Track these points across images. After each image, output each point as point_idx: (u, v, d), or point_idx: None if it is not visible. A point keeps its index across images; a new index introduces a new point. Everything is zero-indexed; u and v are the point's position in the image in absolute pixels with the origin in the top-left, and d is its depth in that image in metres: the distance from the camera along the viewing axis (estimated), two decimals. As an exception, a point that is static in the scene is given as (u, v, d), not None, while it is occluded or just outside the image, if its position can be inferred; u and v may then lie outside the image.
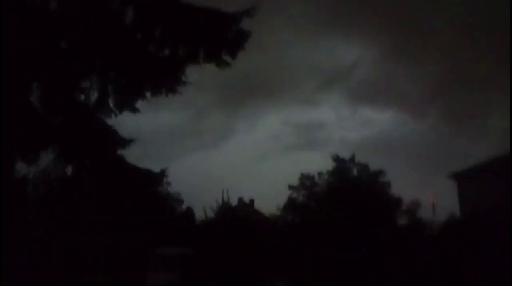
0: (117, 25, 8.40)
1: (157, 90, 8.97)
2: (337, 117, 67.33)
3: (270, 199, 31.82)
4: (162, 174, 11.43)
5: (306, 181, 26.27)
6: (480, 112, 51.69)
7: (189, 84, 9.24)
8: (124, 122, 9.57)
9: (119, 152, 9.99)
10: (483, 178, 24.64)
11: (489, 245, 20.36)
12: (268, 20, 9.06)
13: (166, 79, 9.01)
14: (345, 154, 25.95)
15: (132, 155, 10.10)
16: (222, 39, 8.92)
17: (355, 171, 25.68)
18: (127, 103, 9.29)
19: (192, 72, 9.21)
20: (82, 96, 9.09)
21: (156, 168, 10.84)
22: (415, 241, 22.58)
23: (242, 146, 63.03)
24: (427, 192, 28.38)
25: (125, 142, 9.66)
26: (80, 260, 20.76)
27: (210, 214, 27.08)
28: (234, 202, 31.64)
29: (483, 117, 51.67)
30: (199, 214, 28.78)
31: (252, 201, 37.48)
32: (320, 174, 26.08)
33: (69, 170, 11.49)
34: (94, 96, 9.01)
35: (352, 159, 25.70)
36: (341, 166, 25.50)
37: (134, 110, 9.41)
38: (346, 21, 57.11)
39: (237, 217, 26.60)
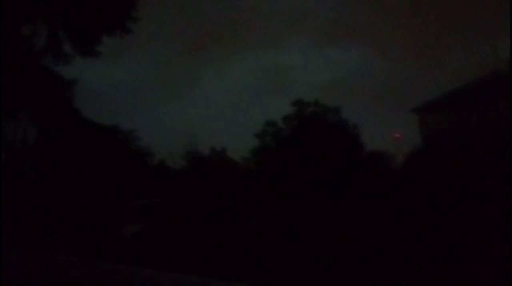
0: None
1: (111, 32, 8.75)
2: (303, 59, 66.05)
3: (242, 146, 32.32)
4: (131, 131, 11.38)
5: (270, 128, 26.92)
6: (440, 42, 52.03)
7: (144, 24, 9.00)
8: (87, 76, 9.41)
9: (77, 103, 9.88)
10: (441, 111, 25.66)
11: (453, 177, 21.30)
12: None
13: (119, 19, 8.75)
14: (312, 97, 26.51)
15: (99, 108, 10.02)
16: None
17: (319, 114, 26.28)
18: (86, 48, 9.04)
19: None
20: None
21: (125, 122, 10.75)
22: (380, 175, 23.53)
23: (209, 94, 61.89)
24: (392, 127, 29.44)
25: (71, 84, 9.52)
26: (56, 218, 20.87)
27: (181, 163, 27.43)
28: (206, 151, 32.15)
29: (444, 47, 52.30)
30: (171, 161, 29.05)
31: (224, 149, 38.12)
32: (284, 118, 26.62)
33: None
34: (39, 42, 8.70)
35: (316, 102, 26.23)
36: (304, 109, 26.14)
37: (95, 53, 9.19)
38: None
39: (209, 164, 27.06)
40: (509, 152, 19.41)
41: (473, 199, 20.21)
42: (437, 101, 26.21)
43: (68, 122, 10.60)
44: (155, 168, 30.75)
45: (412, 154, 24.77)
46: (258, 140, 27.09)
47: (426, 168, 22.34)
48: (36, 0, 8.18)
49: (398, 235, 15.28)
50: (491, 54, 26.49)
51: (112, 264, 7.95)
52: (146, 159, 30.66)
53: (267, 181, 24.06)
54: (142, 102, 55.39)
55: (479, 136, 22.55)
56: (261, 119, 27.67)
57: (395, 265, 10.84)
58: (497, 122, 21.92)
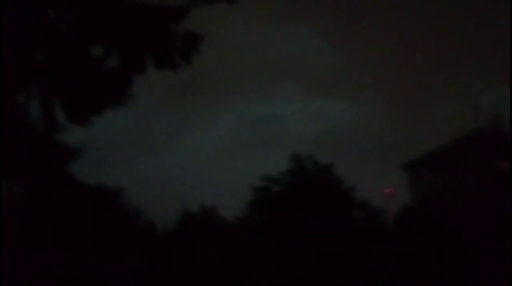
0: (54, 34, 8.11)
1: (104, 105, 8.71)
2: (292, 110, 64.46)
3: (233, 202, 31.65)
4: (117, 189, 11.19)
5: (267, 182, 26.54)
6: (429, 97, 52.96)
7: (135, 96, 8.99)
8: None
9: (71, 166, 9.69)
10: (433, 168, 25.79)
11: (443, 236, 21.11)
12: (214, 9, 8.61)
13: (112, 95, 8.75)
14: (302, 149, 26.51)
15: (81, 162, 9.80)
16: (171, 42, 8.59)
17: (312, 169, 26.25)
18: (81, 118, 8.96)
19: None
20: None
21: (107, 176, 10.57)
22: (371, 233, 23.20)
23: (195, 146, 61.01)
24: (382, 183, 29.35)
25: (75, 152, 9.36)
26: (37, 279, 19.84)
27: (171, 226, 26.78)
28: (194, 206, 31.24)
29: (433, 102, 53.18)
30: (159, 220, 28.30)
31: (214, 207, 37.13)
32: (281, 173, 26.41)
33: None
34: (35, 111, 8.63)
35: (309, 157, 26.22)
36: (299, 165, 26.03)
37: (89, 123, 9.09)
38: (299, 9, 57.35)
39: (200, 227, 26.35)
40: (505, 214, 19.37)
41: (465, 259, 19.93)
42: (428, 157, 26.30)
43: (57, 183, 10.35)
44: (141, 228, 29.91)
45: (403, 212, 24.64)
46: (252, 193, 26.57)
47: (417, 226, 22.17)
48: (33, 70, 8.19)
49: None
50: (486, 108, 26.92)
51: None
52: (132, 219, 29.85)
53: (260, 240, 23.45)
54: (126, 153, 54.38)
55: (471, 195, 22.50)
56: (251, 172, 27.31)
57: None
58: (492, 180, 22.01)
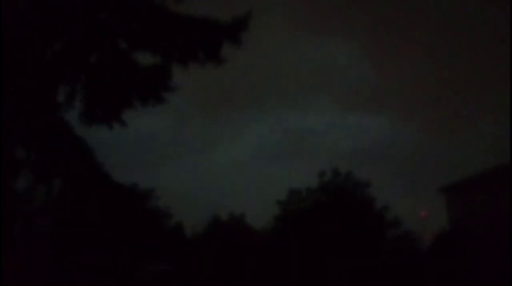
0: (102, 35, 8.28)
1: (145, 101, 8.79)
2: (327, 123, 63.06)
3: (260, 211, 31.48)
4: (150, 191, 11.25)
5: (294, 197, 26.25)
6: (472, 118, 50.58)
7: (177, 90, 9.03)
8: (102, 130, 9.31)
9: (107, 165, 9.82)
10: (472, 193, 24.66)
11: (479, 261, 20.35)
12: (254, 20, 8.57)
13: (154, 88, 8.80)
14: (335, 164, 26.05)
15: (114, 163, 9.90)
16: (215, 50, 8.67)
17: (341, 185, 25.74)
18: (115, 115, 9.09)
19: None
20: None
21: (140, 179, 10.66)
22: (405, 256, 22.53)
23: (228, 154, 61.12)
24: (417, 204, 28.40)
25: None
26: (69, 280, 20.30)
27: (200, 230, 26.93)
28: (223, 213, 31.37)
29: (475, 124, 50.79)
30: (188, 225, 28.53)
31: (242, 215, 37.11)
32: (308, 189, 26.06)
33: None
34: (78, 108, 8.81)
35: (337, 173, 25.72)
36: (327, 182, 25.58)
37: (122, 123, 9.21)
38: (338, 22, 56.67)
39: (229, 234, 26.33)
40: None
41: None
42: (467, 181, 25.15)
43: (91, 183, 10.48)
44: (171, 230, 30.19)
45: (440, 235, 23.82)
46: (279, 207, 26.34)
47: (453, 251, 21.41)
48: (78, 68, 8.37)
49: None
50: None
51: None
52: (163, 219, 30.18)
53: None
54: (159, 158, 55.26)
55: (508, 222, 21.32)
56: (281, 183, 27.04)
57: None
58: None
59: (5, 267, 9.30)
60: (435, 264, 21.60)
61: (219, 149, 60.07)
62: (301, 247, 22.65)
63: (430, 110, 55.04)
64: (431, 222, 26.23)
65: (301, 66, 60.80)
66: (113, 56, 8.72)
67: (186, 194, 37.55)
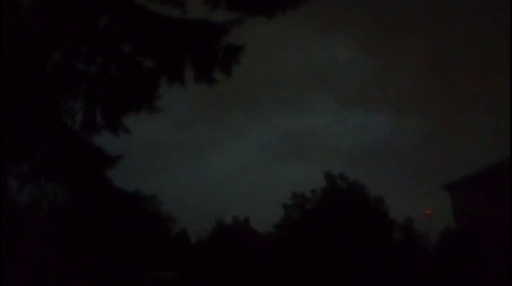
0: (102, 44, 8.29)
1: (138, 109, 8.77)
2: (328, 122, 63.61)
3: (264, 214, 31.50)
4: (153, 197, 11.27)
5: (299, 200, 26.10)
6: (475, 114, 50.26)
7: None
8: (103, 137, 9.32)
9: (108, 172, 9.81)
10: (476, 189, 24.53)
11: (486, 258, 20.21)
12: (252, 20, 8.45)
13: (144, 98, 8.78)
14: (338, 163, 26.16)
15: (117, 170, 9.87)
16: (212, 55, 8.54)
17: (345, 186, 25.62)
18: (116, 123, 9.08)
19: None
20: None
21: (141, 184, 10.68)
22: (412, 256, 22.38)
23: (229, 156, 60.81)
24: (421, 202, 28.37)
25: (113, 160, 9.46)
26: (69, 283, 20.22)
27: (204, 236, 26.78)
28: (227, 218, 31.25)
29: (478, 120, 50.39)
30: (191, 230, 28.42)
31: (247, 219, 36.98)
32: (313, 191, 25.94)
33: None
34: (79, 116, 8.81)
35: (342, 175, 25.61)
36: (332, 182, 25.45)
37: (126, 130, 9.19)
38: (336, 21, 56.63)
39: (234, 239, 26.20)
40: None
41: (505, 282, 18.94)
42: (472, 178, 25.01)
43: (98, 193, 10.50)
44: (175, 236, 30.09)
45: (446, 233, 23.68)
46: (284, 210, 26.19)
47: (459, 248, 21.28)
48: (80, 78, 8.37)
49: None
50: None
51: None
52: (167, 225, 30.05)
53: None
54: (160, 162, 55.05)
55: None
56: (284, 184, 26.91)
57: None
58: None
59: (9, 273, 9.26)
60: (442, 263, 21.47)
61: (220, 153, 60.05)
62: (307, 251, 22.53)
63: (432, 107, 54.82)
64: (437, 220, 26.18)
65: (301, 66, 60.81)
66: (115, 63, 8.71)
67: (188, 199, 37.59)
